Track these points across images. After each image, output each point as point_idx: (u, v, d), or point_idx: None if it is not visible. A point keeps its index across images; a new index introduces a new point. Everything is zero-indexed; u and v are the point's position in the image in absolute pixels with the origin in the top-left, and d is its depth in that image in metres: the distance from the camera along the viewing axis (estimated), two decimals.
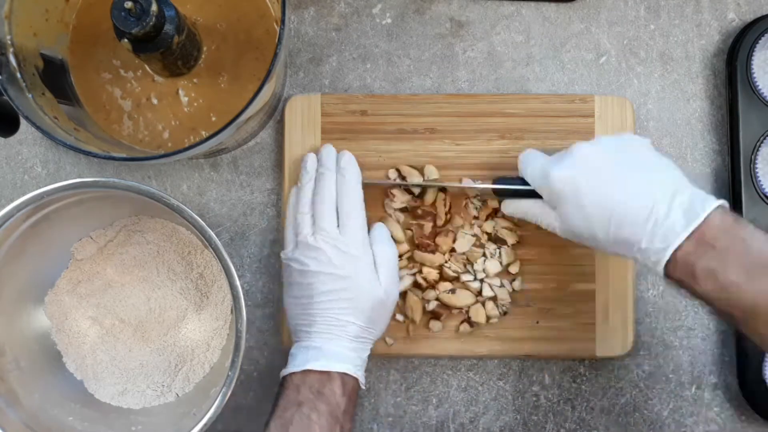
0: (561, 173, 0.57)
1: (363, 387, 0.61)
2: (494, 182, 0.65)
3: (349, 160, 0.65)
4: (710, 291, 0.52)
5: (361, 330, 0.61)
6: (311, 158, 0.66)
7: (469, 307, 0.67)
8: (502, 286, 0.67)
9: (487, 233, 0.68)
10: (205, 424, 0.59)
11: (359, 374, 0.60)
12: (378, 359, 0.70)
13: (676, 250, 0.52)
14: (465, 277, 0.67)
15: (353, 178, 0.64)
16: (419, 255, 0.67)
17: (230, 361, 0.59)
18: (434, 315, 0.68)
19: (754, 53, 0.67)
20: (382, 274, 0.62)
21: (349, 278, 0.60)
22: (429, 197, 0.68)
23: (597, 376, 0.70)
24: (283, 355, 0.71)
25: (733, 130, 0.68)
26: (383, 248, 0.64)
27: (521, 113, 0.69)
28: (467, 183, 0.67)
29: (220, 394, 0.59)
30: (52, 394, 0.66)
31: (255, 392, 0.71)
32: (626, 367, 0.70)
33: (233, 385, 0.59)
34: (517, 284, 0.68)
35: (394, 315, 0.66)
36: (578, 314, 0.68)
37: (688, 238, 0.52)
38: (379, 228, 0.65)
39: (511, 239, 0.67)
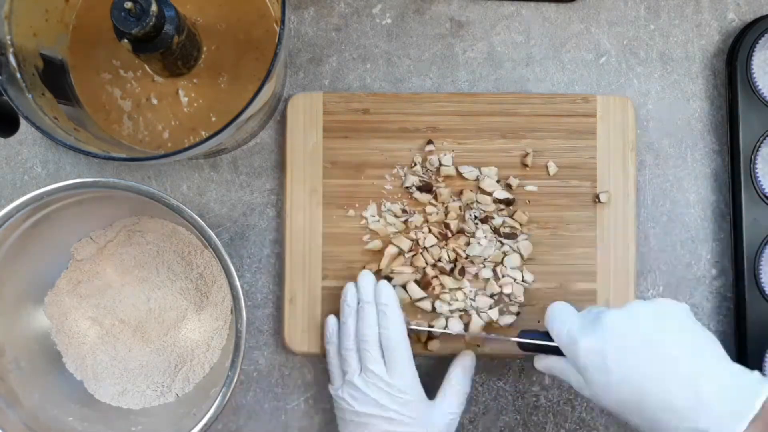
0: (589, 345, 0.54)
1: None
2: (519, 335, 0.61)
3: (388, 294, 0.63)
4: None
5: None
6: (351, 290, 0.65)
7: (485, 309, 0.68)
8: (522, 280, 0.68)
9: (496, 230, 0.68)
10: (205, 425, 0.59)
11: None
12: None
13: None
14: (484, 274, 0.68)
15: (395, 314, 0.63)
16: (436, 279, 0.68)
17: (230, 361, 0.59)
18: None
19: (754, 53, 0.67)
20: (445, 403, 0.63)
21: (403, 423, 0.60)
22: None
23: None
24: (283, 356, 0.71)
25: (733, 130, 0.68)
26: (458, 376, 0.64)
27: (523, 112, 0.69)
28: (486, 335, 0.67)
29: (220, 394, 0.59)
30: (52, 395, 0.66)
31: (255, 392, 0.71)
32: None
33: (233, 385, 0.59)
34: (529, 277, 0.68)
35: None
36: None
37: (752, 423, 0.48)
38: (466, 359, 0.65)
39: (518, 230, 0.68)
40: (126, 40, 0.57)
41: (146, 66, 0.65)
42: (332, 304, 0.68)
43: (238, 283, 0.59)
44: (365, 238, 0.69)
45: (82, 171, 0.72)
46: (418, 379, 0.62)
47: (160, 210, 0.62)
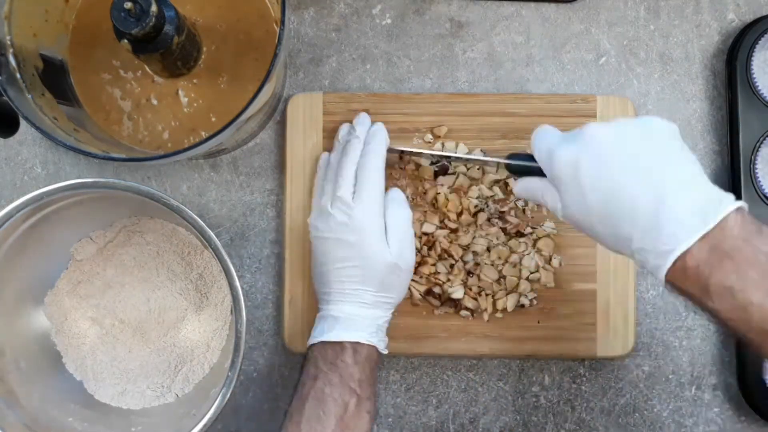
0: (564, 154, 0.52)
1: (384, 351, 0.61)
2: (507, 157, 0.61)
3: (377, 129, 0.66)
4: (725, 309, 0.45)
5: (375, 296, 0.61)
6: (345, 128, 0.67)
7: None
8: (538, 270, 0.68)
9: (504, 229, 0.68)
10: (205, 425, 0.59)
11: (373, 340, 0.60)
12: None
13: (684, 256, 0.46)
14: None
15: (378, 147, 0.64)
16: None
17: (230, 361, 0.59)
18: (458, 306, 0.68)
19: (753, 54, 0.67)
20: (392, 240, 0.62)
21: (357, 246, 0.61)
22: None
23: (597, 376, 0.70)
24: (283, 356, 0.71)
25: (733, 130, 0.68)
26: (395, 212, 0.63)
27: (523, 113, 0.69)
28: (479, 155, 0.67)
29: (220, 394, 0.59)
30: (51, 395, 0.66)
31: (255, 393, 0.71)
32: (626, 368, 0.70)
33: (233, 385, 0.59)
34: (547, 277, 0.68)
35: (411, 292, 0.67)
36: (579, 314, 0.68)
37: (699, 242, 0.45)
38: (394, 192, 0.65)
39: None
40: (126, 41, 0.57)
41: (146, 66, 0.65)
42: None
43: (237, 283, 0.59)
44: None
45: (82, 171, 0.72)
46: (381, 215, 0.62)
47: (160, 210, 0.62)
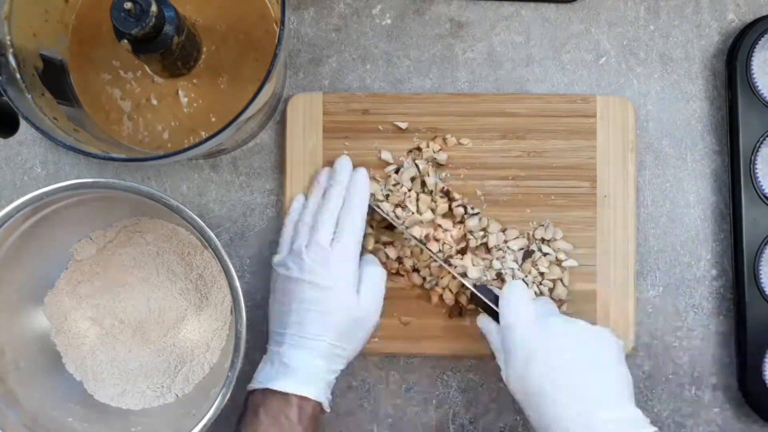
0: (523, 335, 0.58)
1: (327, 410, 0.59)
2: (477, 288, 0.64)
3: (361, 177, 0.66)
4: None
5: (332, 347, 0.60)
6: (325, 172, 0.67)
7: None
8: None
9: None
10: (205, 425, 0.59)
11: (322, 398, 0.58)
12: (378, 359, 0.70)
13: None
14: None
15: (360, 196, 0.64)
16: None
17: (230, 361, 0.59)
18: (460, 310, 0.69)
19: (753, 54, 0.67)
20: (364, 294, 0.61)
21: (328, 290, 0.60)
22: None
23: None
24: None
25: (733, 130, 0.68)
26: (372, 269, 0.63)
27: (523, 113, 0.69)
28: (444, 263, 0.66)
29: (220, 394, 0.59)
30: (51, 395, 0.66)
31: None
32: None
33: (233, 385, 0.59)
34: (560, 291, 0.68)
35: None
36: (579, 314, 0.67)
37: None
38: (368, 256, 0.66)
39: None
40: (126, 41, 0.57)
41: (146, 66, 0.65)
42: None
43: (237, 283, 0.59)
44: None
45: (82, 171, 0.72)
46: (357, 264, 0.62)
47: (160, 210, 0.62)
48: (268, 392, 0.58)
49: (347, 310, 0.60)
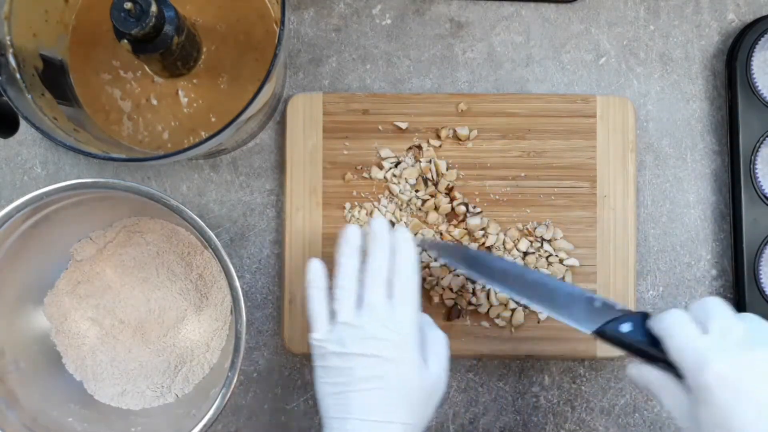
0: (728, 374, 0.44)
1: None
2: (603, 324, 0.51)
3: (405, 236, 0.56)
4: None
5: (404, 428, 0.51)
6: (353, 230, 0.57)
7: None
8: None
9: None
10: (205, 425, 0.59)
11: None
12: None
13: None
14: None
15: (410, 253, 0.55)
16: None
17: (230, 362, 0.59)
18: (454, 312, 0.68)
19: (753, 54, 0.67)
20: (432, 361, 0.53)
21: (396, 362, 0.52)
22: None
23: (597, 376, 0.70)
24: (283, 356, 0.71)
25: (733, 130, 0.68)
26: (433, 333, 0.55)
27: (523, 113, 0.69)
28: (557, 317, 0.56)
29: (220, 395, 0.59)
30: (51, 395, 0.66)
31: (255, 393, 0.71)
32: (626, 368, 0.70)
33: (233, 385, 0.59)
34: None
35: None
36: None
37: None
38: (425, 317, 0.58)
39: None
40: (126, 41, 0.57)
41: (146, 67, 0.65)
42: None
43: (237, 283, 0.59)
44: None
45: (82, 171, 0.72)
46: (418, 328, 0.54)
47: (160, 211, 0.62)
48: None
49: (418, 383, 0.52)
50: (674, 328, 0.48)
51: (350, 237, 0.56)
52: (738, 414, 0.44)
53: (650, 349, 0.49)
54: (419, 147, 0.69)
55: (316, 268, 0.56)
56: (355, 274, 0.55)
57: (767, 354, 0.44)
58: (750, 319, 0.47)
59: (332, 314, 0.54)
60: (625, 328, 0.51)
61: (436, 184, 0.68)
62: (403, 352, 0.52)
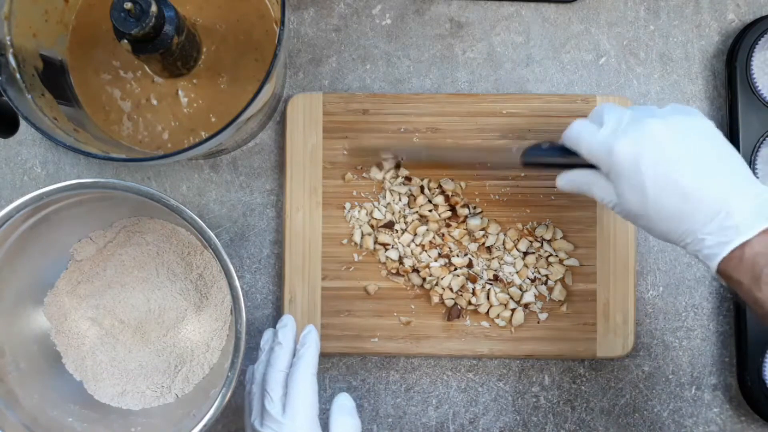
0: (626, 148, 0.53)
1: None
2: (525, 153, 0.60)
3: (309, 335, 0.60)
4: None
5: None
6: (268, 333, 0.61)
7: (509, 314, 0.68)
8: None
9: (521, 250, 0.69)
10: (205, 425, 0.59)
11: None
12: (378, 360, 0.70)
13: (743, 246, 0.50)
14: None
15: (309, 353, 0.58)
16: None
17: (230, 362, 0.59)
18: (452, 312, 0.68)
19: (753, 54, 0.67)
20: None
21: None
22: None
23: (597, 376, 0.70)
24: None
25: (733, 130, 0.68)
26: (343, 422, 0.58)
27: (523, 113, 0.69)
28: (488, 147, 0.64)
29: (220, 395, 0.59)
30: (51, 395, 0.66)
31: None
32: (626, 368, 0.70)
33: (233, 386, 0.59)
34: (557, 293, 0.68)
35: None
36: (579, 314, 0.68)
37: (760, 235, 0.49)
38: (343, 398, 0.60)
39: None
40: (125, 41, 0.57)
41: (146, 67, 0.65)
42: (332, 304, 0.68)
43: (237, 283, 0.59)
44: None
45: (82, 172, 0.72)
46: (316, 426, 0.57)
47: (160, 211, 0.62)
48: None
49: None
50: (580, 133, 0.56)
51: (262, 343, 0.61)
52: (643, 171, 0.52)
53: (569, 158, 0.58)
54: (414, 197, 0.68)
55: (248, 373, 0.61)
56: (261, 382, 0.59)
57: (653, 123, 0.53)
58: (634, 107, 0.56)
59: (250, 419, 0.59)
60: (544, 147, 0.60)
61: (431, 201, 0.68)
62: None
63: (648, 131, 0.53)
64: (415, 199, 0.68)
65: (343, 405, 0.60)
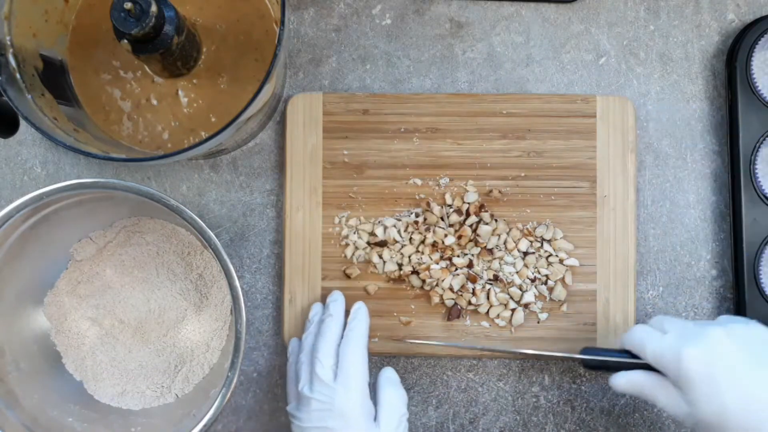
0: (696, 354, 0.53)
1: None
2: (583, 353, 0.63)
3: (359, 308, 0.65)
4: None
5: None
6: (317, 306, 0.66)
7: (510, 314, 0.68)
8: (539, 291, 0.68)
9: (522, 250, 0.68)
10: (205, 425, 0.59)
11: None
12: (378, 359, 0.70)
13: None
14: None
15: (360, 326, 0.63)
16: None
17: (230, 362, 0.59)
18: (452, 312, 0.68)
19: (753, 54, 0.67)
20: (385, 423, 0.59)
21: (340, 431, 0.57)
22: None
23: (597, 376, 0.70)
24: (283, 356, 0.71)
25: (733, 130, 0.68)
26: (390, 393, 0.61)
27: (523, 113, 0.69)
28: (545, 351, 0.65)
29: (220, 395, 0.59)
30: (51, 396, 0.66)
31: (254, 393, 0.71)
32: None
33: (233, 386, 0.59)
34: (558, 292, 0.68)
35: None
36: (579, 314, 0.68)
37: None
38: (389, 372, 0.64)
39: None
40: (125, 41, 0.57)
41: (146, 67, 0.65)
42: None
43: (237, 283, 0.59)
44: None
45: (82, 172, 0.72)
46: (367, 395, 0.59)
47: (160, 211, 0.62)
48: None
49: None
50: (645, 337, 0.57)
51: (311, 315, 0.65)
52: (717, 382, 0.53)
53: (631, 359, 0.59)
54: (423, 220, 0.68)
55: (292, 345, 0.65)
56: (311, 348, 0.62)
57: (719, 331, 0.54)
58: (687, 320, 0.59)
59: (296, 387, 0.61)
60: (601, 353, 0.62)
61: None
62: (350, 422, 0.57)
63: (713, 337, 0.54)
64: (428, 229, 0.68)
65: (390, 377, 0.63)
